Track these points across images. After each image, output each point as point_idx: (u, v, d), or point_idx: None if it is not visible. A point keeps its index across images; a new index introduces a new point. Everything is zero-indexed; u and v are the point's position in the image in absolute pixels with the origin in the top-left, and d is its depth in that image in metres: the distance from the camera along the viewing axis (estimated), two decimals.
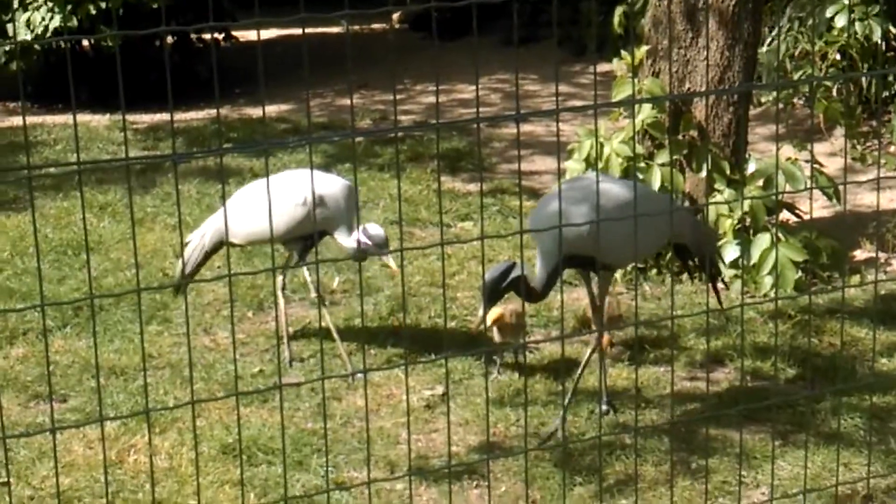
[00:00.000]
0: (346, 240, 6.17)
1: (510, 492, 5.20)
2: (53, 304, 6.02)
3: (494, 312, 6.04)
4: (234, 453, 5.42)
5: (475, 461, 5.37)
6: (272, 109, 11.94)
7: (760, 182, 7.27)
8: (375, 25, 16.14)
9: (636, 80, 7.50)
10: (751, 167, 7.34)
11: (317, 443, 5.54)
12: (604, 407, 5.79)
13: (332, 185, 6.24)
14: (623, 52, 7.78)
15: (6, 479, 5.14)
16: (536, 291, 5.50)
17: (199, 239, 6.41)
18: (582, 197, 5.44)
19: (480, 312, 5.57)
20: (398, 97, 12.48)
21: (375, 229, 6.15)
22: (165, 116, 11.66)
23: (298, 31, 14.10)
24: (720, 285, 6.32)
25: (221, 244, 6.38)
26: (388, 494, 5.15)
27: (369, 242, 6.08)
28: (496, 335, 6.17)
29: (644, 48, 7.65)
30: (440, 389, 6.04)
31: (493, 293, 5.48)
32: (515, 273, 5.44)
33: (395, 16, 15.89)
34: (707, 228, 6.44)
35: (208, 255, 6.38)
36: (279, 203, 6.08)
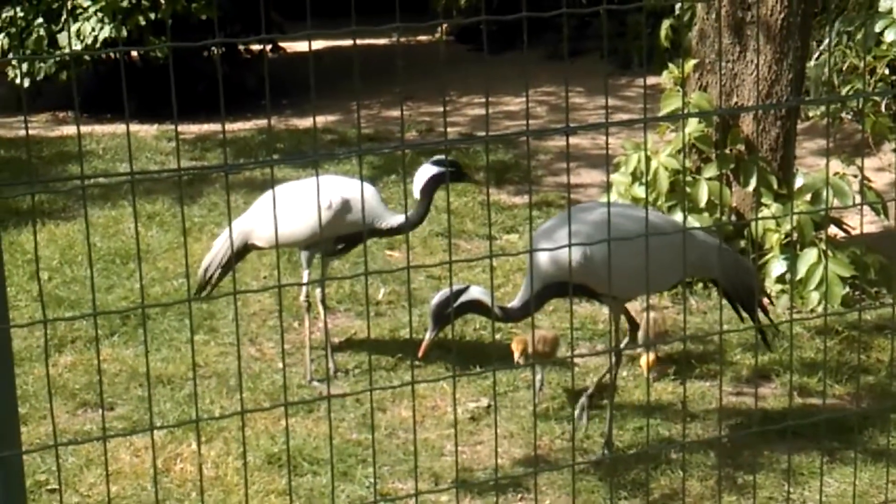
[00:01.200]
0: (392, 219, 6.28)
1: None
2: (106, 312, 6.08)
3: (519, 343, 5.97)
4: (280, 463, 5.44)
5: (521, 474, 5.37)
6: (319, 120, 12.00)
7: (808, 197, 7.23)
8: (421, 37, 16.18)
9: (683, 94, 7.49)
10: (798, 182, 7.31)
11: (361, 454, 5.56)
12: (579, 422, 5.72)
13: (357, 186, 6.34)
14: (671, 66, 7.76)
15: (56, 486, 5.18)
16: (512, 311, 5.38)
17: (223, 242, 6.46)
18: (581, 225, 5.26)
19: (428, 336, 5.42)
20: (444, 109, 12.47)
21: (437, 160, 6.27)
22: (213, 127, 11.73)
23: (345, 42, 14.15)
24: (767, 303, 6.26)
25: (247, 248, 6.44)
26: None
27: (443, 169, 6.15)
28: (517, 358, 6.07)
29: (691, 62, 7.63)
30: (485, 401, 6.04)
31: (438, 317, 5.37)
32: (468, 296, 5.32)
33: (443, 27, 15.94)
34: (745, 264, 6.03)
35: (233, 259, 6.38)
36: (306, 206, 6.11)
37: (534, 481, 5.22)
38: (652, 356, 6.20)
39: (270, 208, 6.18)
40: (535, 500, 5.15)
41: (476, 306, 5.36)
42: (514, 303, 5.40)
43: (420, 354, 5.47)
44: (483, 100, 12.85)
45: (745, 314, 5.78)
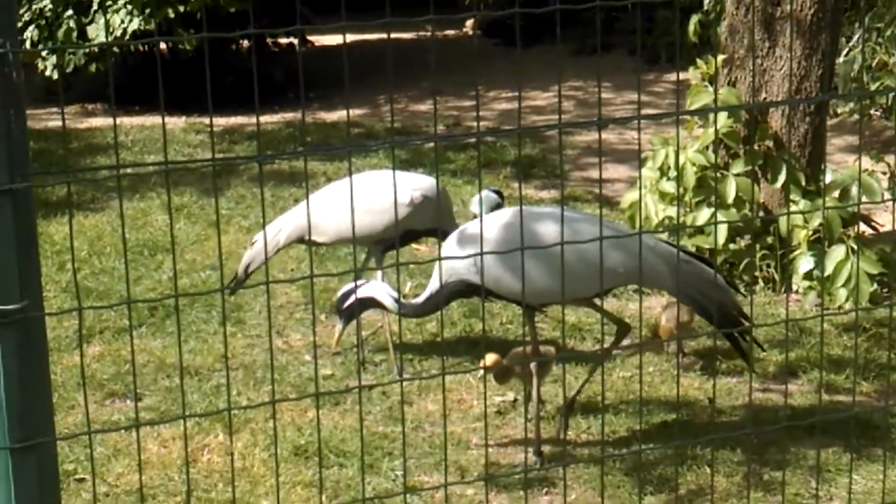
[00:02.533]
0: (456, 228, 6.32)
1: (580, 499, 5.19)
2: (139, 301, 6.09)
3: (491, 358, 5.80)
4: (306, 455, 5.45)
5: (549, 467, 5.37)
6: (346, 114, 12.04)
7: (836, 193, 7.20)
8: (449, 32, 16.18)
9: (712, 90, 7.47)
10: (827, 178, 7.28)
11: (388, 446, 5.57)
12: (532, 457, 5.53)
13: (430, 182, 6.33)
14: (699, 61, 7.75)
15: (83, 476, 5.21)
16: (413, 306, 5.48)
17: (271, 236, 6.35)
18: (492, 230, 5.19)
19: (338, 328, 5.77)
20: (471, 103, 12.51)
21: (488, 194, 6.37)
22: (240, 119, 11.77)
23: (372, 36, 14.17)
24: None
25: (300, 242, 6.40)
26: (459, 500, 5.16)
27: (500, 200, 6.37)
28: (494, 381, 5.97)
29: (720, 57, 7.61)
30: (511, 396, 6.04)
31: (339, 313, 5.73)
32: (366, 291, 5.50)
33: (470, 22, 15.95)
34: (711, 278, 5.39)
35: (277, 252, 6.38)
36: (379, 202, 6.09)
37: (562, 475, 5.22)
38: (671, 325, 6.19)
39: (336, 203, 6.13)
40: (565, 494, 5.15)
41: (369, 304, 5.58)
42: (417, 300, 5.48)
43: (332, 350, 5.79)
44: (511, 94, 12.85)
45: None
